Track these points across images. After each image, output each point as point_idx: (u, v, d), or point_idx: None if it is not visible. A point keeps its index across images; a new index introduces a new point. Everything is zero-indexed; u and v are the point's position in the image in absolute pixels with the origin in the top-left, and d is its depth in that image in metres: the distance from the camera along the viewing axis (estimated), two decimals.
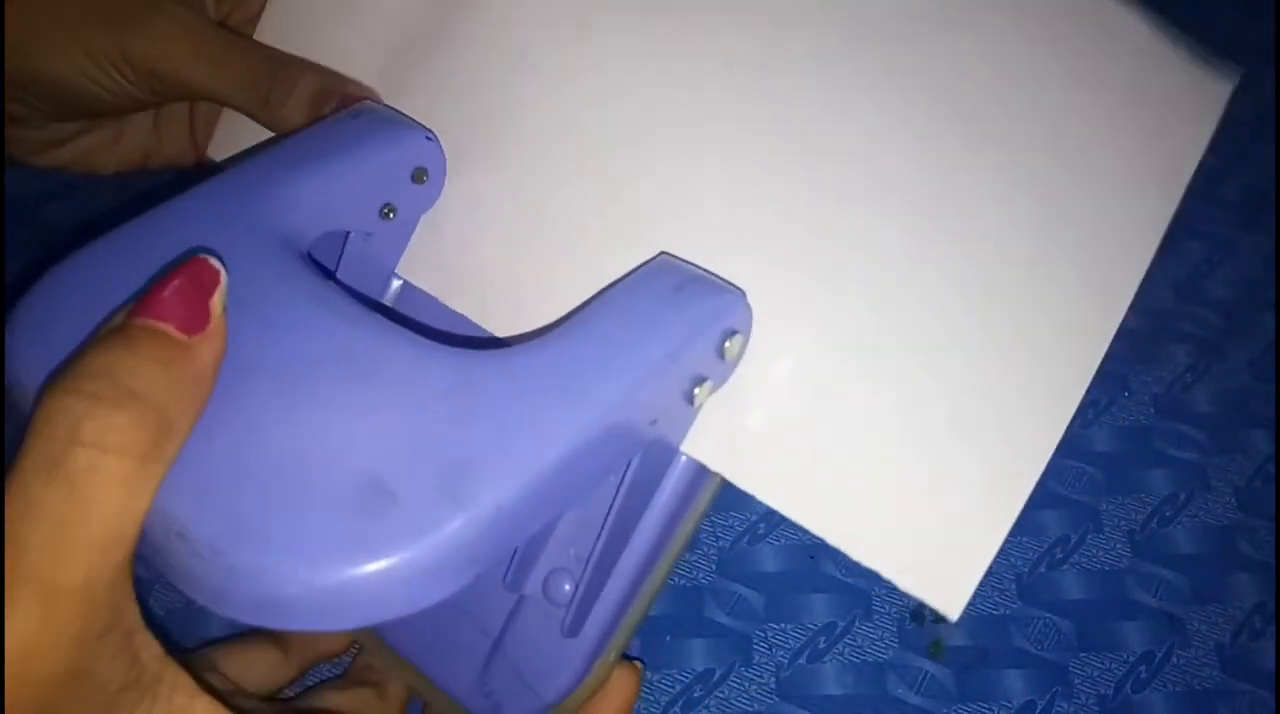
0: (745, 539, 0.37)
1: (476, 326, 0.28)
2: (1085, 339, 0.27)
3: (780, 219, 0.27)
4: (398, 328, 0.22)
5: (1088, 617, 0.35)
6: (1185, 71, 0.30)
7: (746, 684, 0.34)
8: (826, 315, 0.26)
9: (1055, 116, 0.28)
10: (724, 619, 0.35)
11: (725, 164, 0.28)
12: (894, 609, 0.35)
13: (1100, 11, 0.29)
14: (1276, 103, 0.53)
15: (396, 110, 0.29)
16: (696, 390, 0.24)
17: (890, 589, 0.36)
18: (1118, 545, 0.36)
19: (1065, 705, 0.33)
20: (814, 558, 0.36)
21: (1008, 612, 0.35)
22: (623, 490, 0.24)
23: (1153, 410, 0.40)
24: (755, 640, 0.35)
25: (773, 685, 0.34)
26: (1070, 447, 0.39)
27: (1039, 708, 0.33)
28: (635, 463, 0.24)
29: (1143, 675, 0.33)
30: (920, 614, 0.35)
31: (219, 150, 0.34)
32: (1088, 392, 0.41)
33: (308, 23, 0.33)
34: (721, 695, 0.34)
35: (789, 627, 0.35)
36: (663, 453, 0.26)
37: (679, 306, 0.24)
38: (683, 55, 0.29)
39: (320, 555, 0.18)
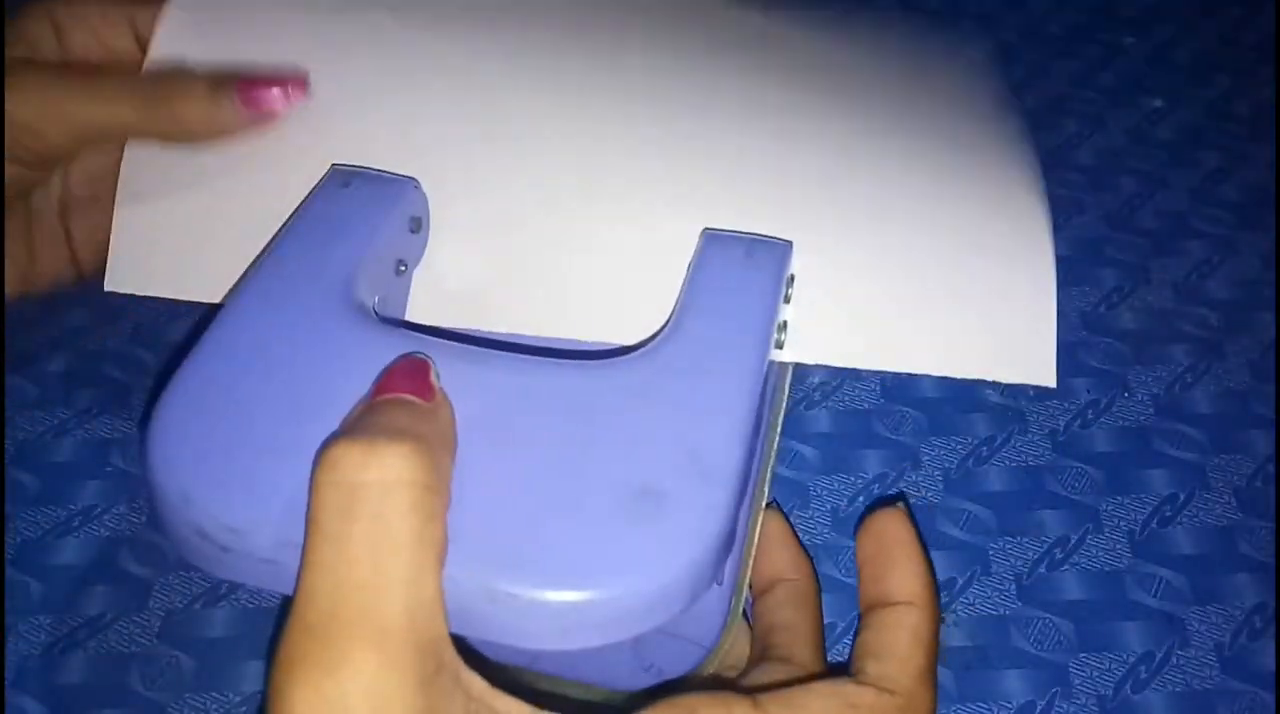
0: None
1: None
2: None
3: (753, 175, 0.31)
4: (537, 355, 0.24)
5: (1087, 617, 0.35)
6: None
7: None
8: (835, 232, 0.30)
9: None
10: None
11: (700, 129, 0.32)
12: None
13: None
14: (1275, 103, 0.53)
15: (364, 167, 0.30)
16: (782, 337, 0.27)
17: None
18: (1118, 545, 0.36)
19: (1065, 706, 0.33)
20: (814, 558, 0.36)
21: (1008, 612, 0.35)
22: None
23: (1153, 410, 0.40)
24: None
25: None
26: (1070, 447, 0.39)
27: (1039, 708, 0.33)
28: None
29: (1142, 676, 0.33)
30: None
31: (117, 279, 0.31)
32: (1088, 390, 0.41)
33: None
34: None
35: None
36: (771, 388, 0.28)
37: (760, 268, 0.27)
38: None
39: (638, 568, 0.20)
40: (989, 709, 0.33)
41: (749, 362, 0.24)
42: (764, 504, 0.29)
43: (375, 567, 0.17)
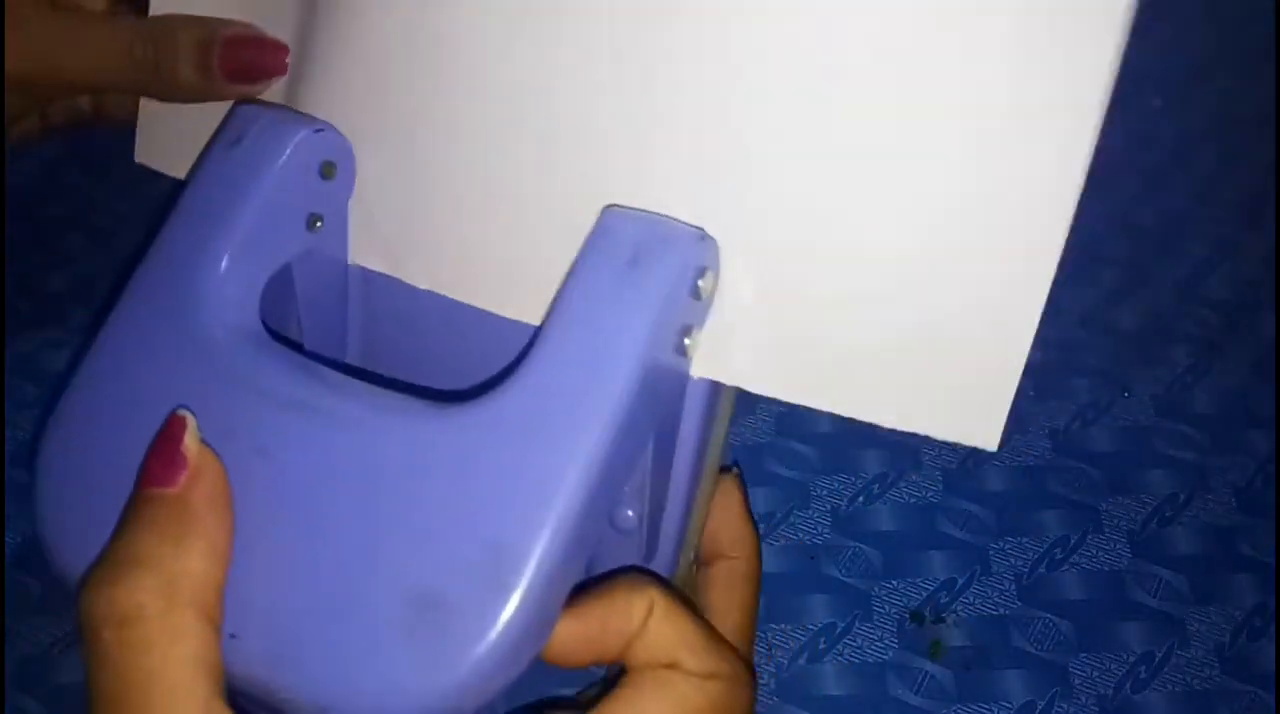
0: None
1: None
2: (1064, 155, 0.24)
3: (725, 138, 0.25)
4: (384, 398, 0.23)
5: (1088, 617, 0.35)
6: None
7: None
8: (785, 211, 0.25)
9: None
10: None
11: (668, 90, 0.25)
12: (894, 610, 0.35)
13: None
14: (1276, 103, 0.53)
15: (270, 104, 0.28)
16: (686, 341, 0.24)
17: (890, 590, 0.36)
18: (1118, 545, 0.36)
19: (1065, 706, 0.33)
20: (814, 558, 0.36)
21: (1008, 612, 0.35)
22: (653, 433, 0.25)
23: (1153, 410, 0.40)
24: (756, 641, 0.35)
25: (773, 686, 0.34)
26: (1070, 447, 0.39)
27: (1039, 708, 0.33)
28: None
29: (1142, 676, 0.33)
30: (920, 615, 0.35)
31: (147, 154, 0.32)
32: (1088, 390, 0.41)
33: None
34: None
35: (789, 627, 0.35)
36: (676, 392, 0.25)
37: (640, 285, 0.22)
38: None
39: (406, 689, 0.19)
40: (989, 709, 0.33)
41: (598, 415, 0.21)
42: (718, 469, 0.28)
43: (126, 703, 0.19)
